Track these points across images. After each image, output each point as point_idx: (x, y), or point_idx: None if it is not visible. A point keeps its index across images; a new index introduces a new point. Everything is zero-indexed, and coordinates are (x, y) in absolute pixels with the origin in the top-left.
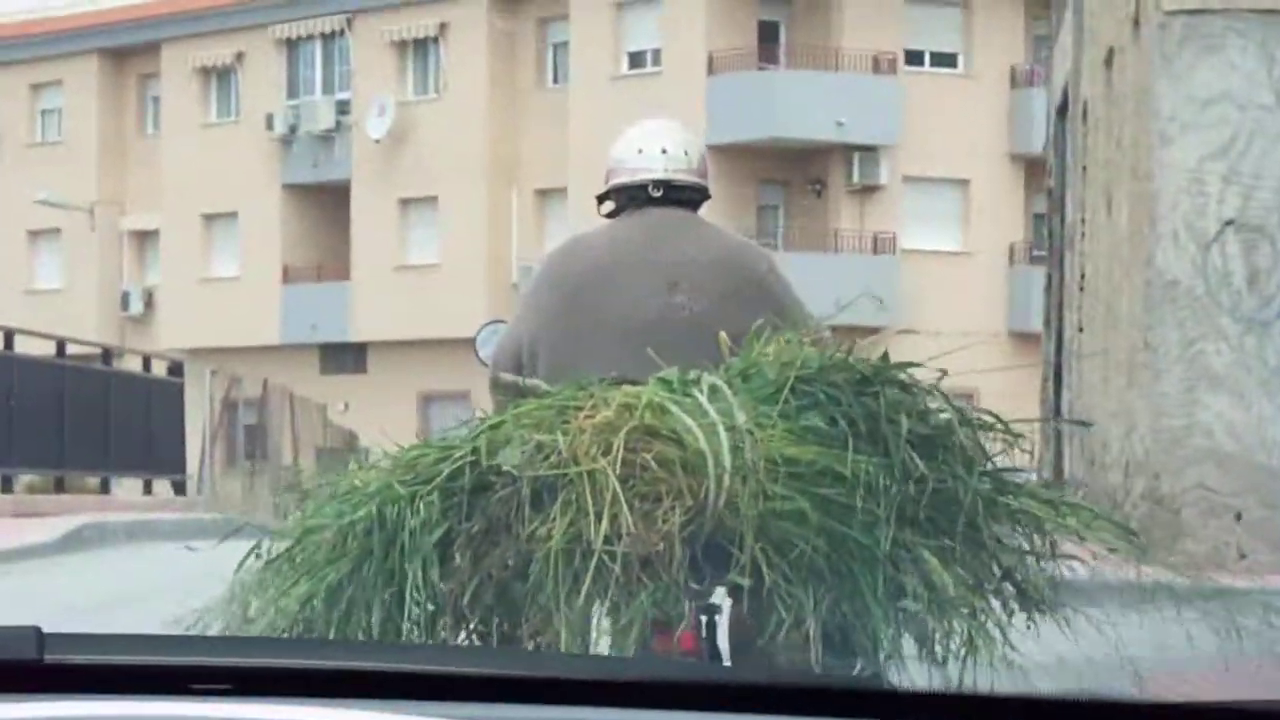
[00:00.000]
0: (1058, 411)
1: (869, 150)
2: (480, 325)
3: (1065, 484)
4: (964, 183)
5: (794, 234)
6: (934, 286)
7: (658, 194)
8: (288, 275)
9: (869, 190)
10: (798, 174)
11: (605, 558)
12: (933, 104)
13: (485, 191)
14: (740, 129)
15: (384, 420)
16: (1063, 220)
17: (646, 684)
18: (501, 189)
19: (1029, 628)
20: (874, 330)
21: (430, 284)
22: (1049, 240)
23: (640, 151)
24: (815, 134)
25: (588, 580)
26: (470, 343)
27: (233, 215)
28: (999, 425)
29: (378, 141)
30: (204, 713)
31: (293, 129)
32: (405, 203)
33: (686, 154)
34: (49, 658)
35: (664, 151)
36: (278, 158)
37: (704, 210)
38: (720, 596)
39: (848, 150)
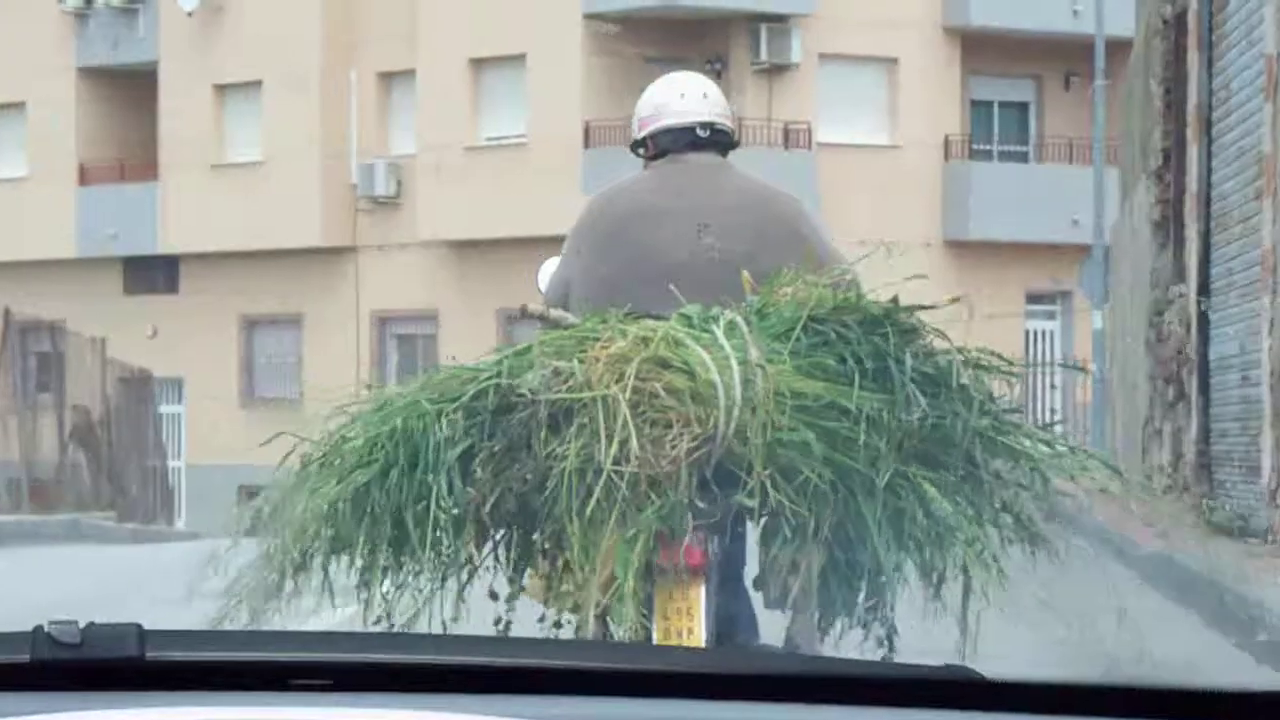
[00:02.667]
0: (1205, 365)
1: (778, 21)
2: (542, 261)
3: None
4: (891, 62)
5: None
6: (855, 187)
7: (705, 135)
8: (84, 176)
9: (778, 70)
10: (692, 50)
11: (614, 476)
12: None
13: (318, 74)
14: None
15: (200, 349)
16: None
17: (724, 676)
18: (338, 71)
19: (1029, 556)
20: None
21: (253, 186)
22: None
23: (683, 96)
24: (714, 0)
25: (597, 495)
26: (303, 253)
27: (19, 106)
28: (1001, 364)
29: (190, 15)
30: (305, 709)
31: (88, 1)
32: (222, 89)
33: (720, 100)
34: (150, 655)
35: (705, 96)
36: (71, 36)
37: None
38: (725, 517)
39: (752, 21)
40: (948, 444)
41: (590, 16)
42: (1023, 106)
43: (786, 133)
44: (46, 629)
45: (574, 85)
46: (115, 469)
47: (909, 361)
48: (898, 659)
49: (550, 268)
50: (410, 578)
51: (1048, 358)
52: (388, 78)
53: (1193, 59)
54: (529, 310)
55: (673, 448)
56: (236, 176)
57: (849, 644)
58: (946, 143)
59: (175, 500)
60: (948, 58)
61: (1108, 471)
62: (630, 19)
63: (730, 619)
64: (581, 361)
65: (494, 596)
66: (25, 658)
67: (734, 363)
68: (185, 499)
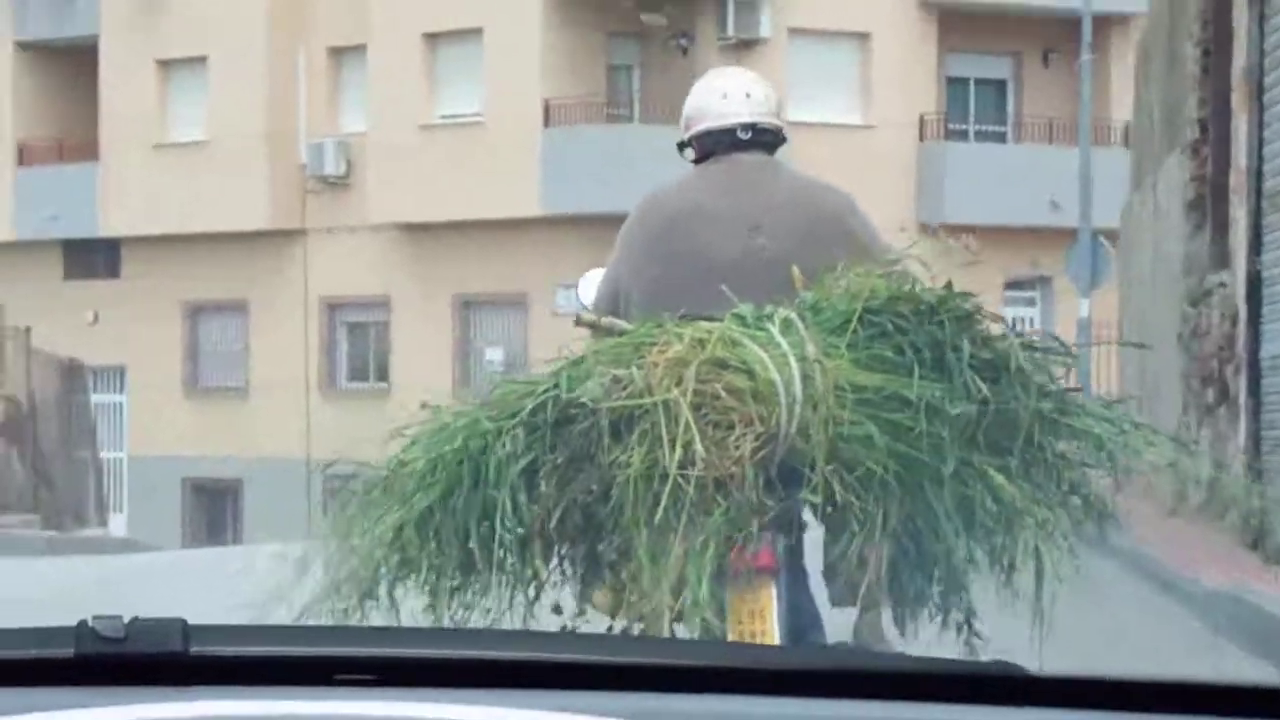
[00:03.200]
0: (1255, 364)
1: None
2: (582, 274)
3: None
4: (864, 37)
5: (653, 101)
6: (826, 167)
7: (746, 136)
8: (22, 156)
9: (746, 45)
10: (658, 25)
11: (680, 481)
12: None
13: (265, 50)
14: None
15: (142, 337)
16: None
17: (793, 672)
18: (286, 46)
19: (1099, 536)
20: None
21: (198, 166)
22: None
23: (725, 97)
24: None
25: (664, 501)
26: (250, 236)
27: None
28: (1060, 347)
29: None
30: (350, 704)
31: None
32: (166, 65)
33: (767, 98)
34: (194, 649)
35: (748, 96)
36: (8, 8)
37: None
38: (795, 515)
39: None
40: (1011, 429)
41: None
42: (1000, 84)
43: None
44: (90, 623)
45: (533, 61)
46: (41, 465)
47: (966, 348)
48: (979, 643)
49: (594, 277)
50: (477, 597)
51: (997, 316)
52: (338, 53)
53: (1240, 15)
54: (582, 319)
55: (737, 448)
56: (180, 156)
57: (929, 635)
58: (921, 122)
59: (110, 497)
60: (923, 33)
61: (1176, 447)
62: None
63: (798, 619)
64: (640, 368)
65: (558, 611)
66: (69, 652)
67: (792, 360)
68: (127, 492)
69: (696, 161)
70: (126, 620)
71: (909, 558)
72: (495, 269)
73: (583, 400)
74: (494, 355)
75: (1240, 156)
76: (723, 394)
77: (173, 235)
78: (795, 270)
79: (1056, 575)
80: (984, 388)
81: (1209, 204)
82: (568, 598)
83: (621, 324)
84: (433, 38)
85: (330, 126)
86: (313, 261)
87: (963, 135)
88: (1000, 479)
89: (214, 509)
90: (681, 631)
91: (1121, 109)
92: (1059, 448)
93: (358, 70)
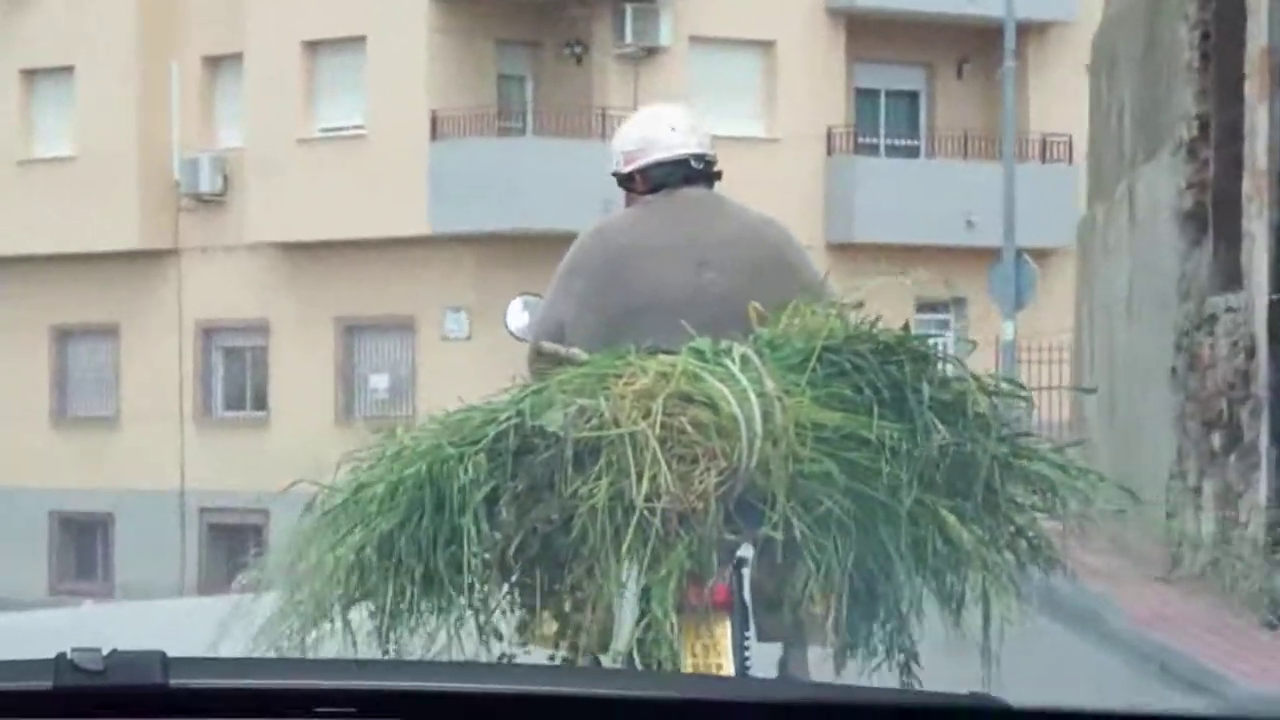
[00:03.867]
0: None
1: (645, 0)
2: (511, 299)
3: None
4: (768, 45)
5: (547, 113)
6: (729, 183)
7: (699, 167)
8: None
9: (646, 54)
10: (549, 33)
11: (646, 513)
12: None
13: (136, 59)
14: None
15: (7, 362)
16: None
17: (760, 705)
18: (158, 56)
19: (1043, 578)
20: None
21: (65, 182)
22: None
23: (674, 129)
24: None
25: (630, 534)
26: (120, 257)
27: None
28: (1016, 389)
29: None
30: None
31: None
32: (30, 75)
33: (706, 133)
34: (174, 682)
35: (693, 129)
36: None
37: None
38: (747, 551)
39: (617, 0)
40: (966, 471)
41: None
42: (912, 96)
43: None
44: (69, 656)
45: (419, 71)
46: None
47: (926, 390)
48: (919, 687)
49: (518, 306)
50: (434, 620)
51: (955, 358)
52: (213, 63)
53: None
54: (543, 349)
55: (700, 482)
56: (46, 172)
57: (870, 673)
58: (829, 135)
59: None
60: (831, 42)
61: (1123, 494)
62: None
63: (744, 654)
64: (606, 398)
65: (498, 636)
66: (48, 685)
67: (753, 395)
68: None
69: (640, 193)
70: (105, 653)
71: (860, 596)
72: (380, 291)
73: (547, 429)
74: (379, 382)
75: (1258, 156)
76: (688, 427)
77: (39, 256)
78: (756, 306)
79: (1005, 618)
80: (943, 430)
81: (1211, 214)
82: (510, 624)
83: (583, 355)
84: (313, 46)
85: (205, 140)
86: (187, 283)
87: (873, 149)
88: (953, 521)
89: (83, 544)
90: (614, 663)
91: (1045, 121)
92: (1010, 491)
93: (234, 81)
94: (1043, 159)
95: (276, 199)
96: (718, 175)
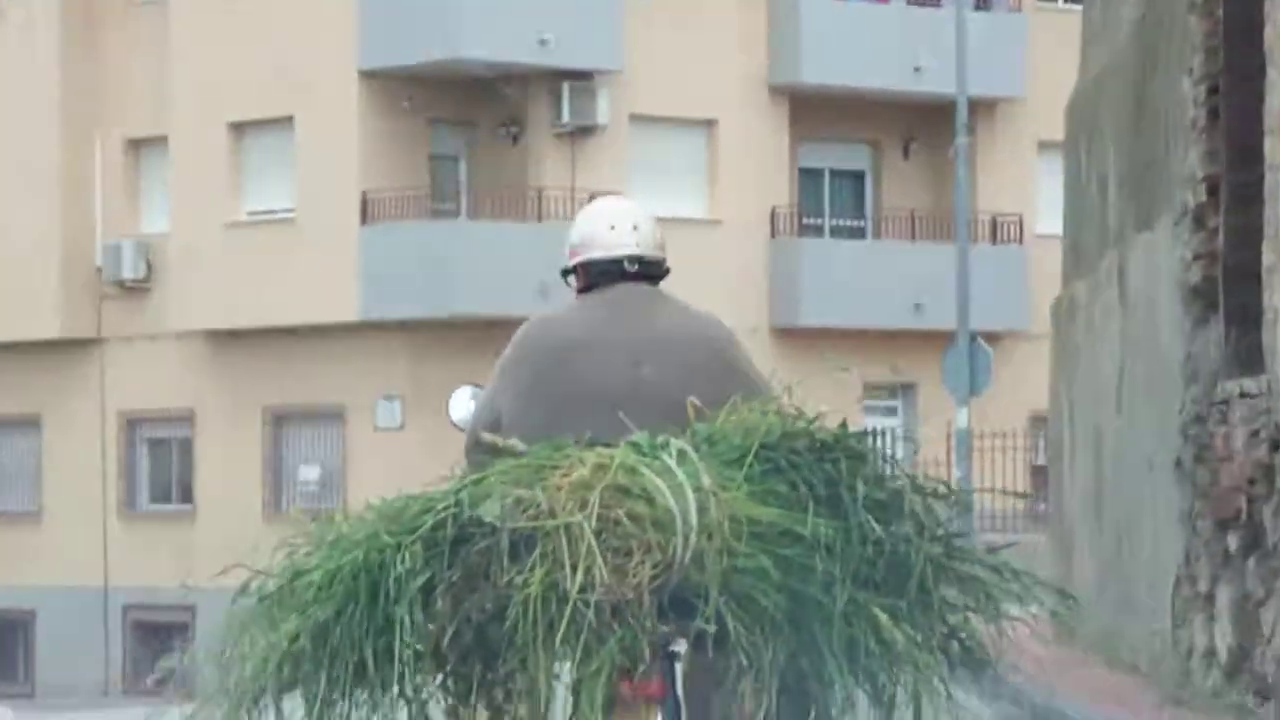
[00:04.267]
0: None
1: (582, 78)
2: (453, 389)
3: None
4: (710, 124)
5: (482, 194)
6: (671, 264)
7: (634, 268)
8: None
9: (583, 133)
10: (484, 112)
11: (580, 605)
12: (668, 16)
13: (58, 141)
14: (403, 47)
15: None
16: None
17: None
18: (80, 139)
19: (972, 682)
20: None
21: None
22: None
23: (613, 228)
24: (509, 54)
25: (563, 626)
26: (41, 346)
27: None
28: (950, 493)
29: None
30: None
31: None
32: None
33: (653, 231)
34: None
35: (635, 228)
36: None
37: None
38: (680, 645)
39: (553, 79)
40: (900, 570)
41: (367, 74)
42: (858, 176)
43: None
44: None
45: (350, 152)
46: None
47: (861, 488)
48: None
49: (463, 396)
50: (366, 710)
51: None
52: (137, 145)
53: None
54: (482, 439)
55: (635, 575)
56: None
57: None
58: (773, 216)
59: None
60: (774, 120)
61: (1058, 596)
62: (415, 76)
63: None
64: (544, 490)
65: None
66: None
67: (688, 489)
68: None
69: (581, 290)
70: None
71: (792, 694)
72: (309, 380)
73: (484, 519)
74: (309, 474)
75: None
76: (624, 520)
77: None
78: (690, 402)
79: (935, 716)
80: (878, 529)
81: (1222, 289)
82: (439, 715)
83: (521, 446)
84: (239, 127)
85: (129, 226)
86: (110, 373)
87: (818, 230)
88: (886, 620)
89: (5, 642)
90: None
91: (995, 200)
92: (943, 591)
93: (159, 164)
94: (994, 240)
95: (203, 285)
96: (664, 273)
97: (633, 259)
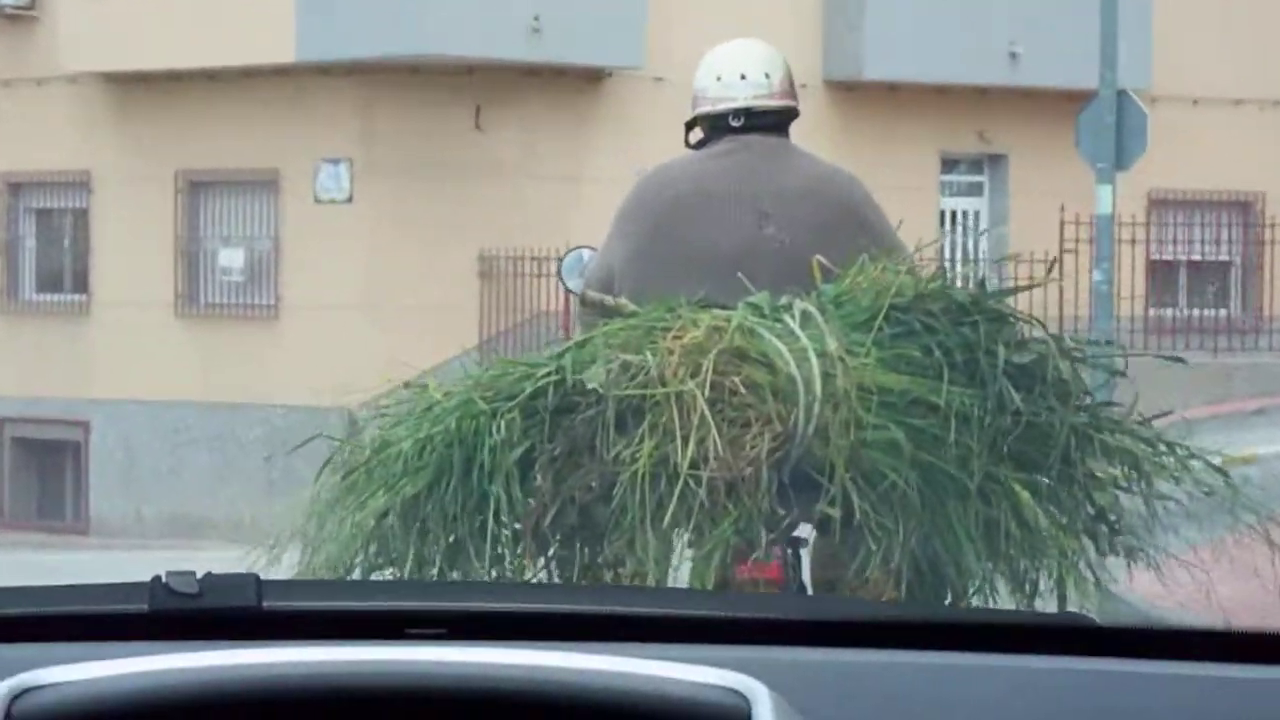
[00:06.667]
0: None
1: None
2: (564, 251)
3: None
4: None
5: None
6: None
7: (738, 124)
8: None
9: None
10: None
11: (691, 482)
12: None
13: None
14: None
15: None
16: None
17: (865, 624)
18: None
19: (1126, 568)
20: None
21: None
22: None
23: (719, 79)
24: None
25: (673, 504)
26: None
27: None
28: (1103, 357)
29: None
30: (420, 657)
31: None
32: None
33: (768, 76)
34: (267, 604)
35: (743, 78)
36: None
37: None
38: (805, 530)
39: None
40: (1043, 443)
41: None
42: None
43: None
44: (164, 579)
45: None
46: None
47: (1001, 353)
48: None
49: (574, 261)
50: None
51: (972, 254)
52: None
53: None
54: (588, 298)
55: (752, 448)
56: None
57: None
58: None
59: None
60: None
61: (1214, 472)
62: None
63: None
64: (653, 354)
65: None
66: (144, 607)
67: (812, 355)
68: None
69: (698, 144)
70: (200, 576)
71: (925, 580)
72: (234, 138)
73: (588, 386)
74: (231, 259)
75: None
76: (741, 388)
77: None
78: (816, 260)
79: (1080, 604)
80: (1018, 398)
81: None
82: None
83: (632, 305)
84: None
85: None
86: None
87: None
88: (1027, 498)
89: None
90: None
91: None
92: (1090, 467)
93: None
94: None
95: (103, 16)
96: (789, 120)
97: (738, 112)
